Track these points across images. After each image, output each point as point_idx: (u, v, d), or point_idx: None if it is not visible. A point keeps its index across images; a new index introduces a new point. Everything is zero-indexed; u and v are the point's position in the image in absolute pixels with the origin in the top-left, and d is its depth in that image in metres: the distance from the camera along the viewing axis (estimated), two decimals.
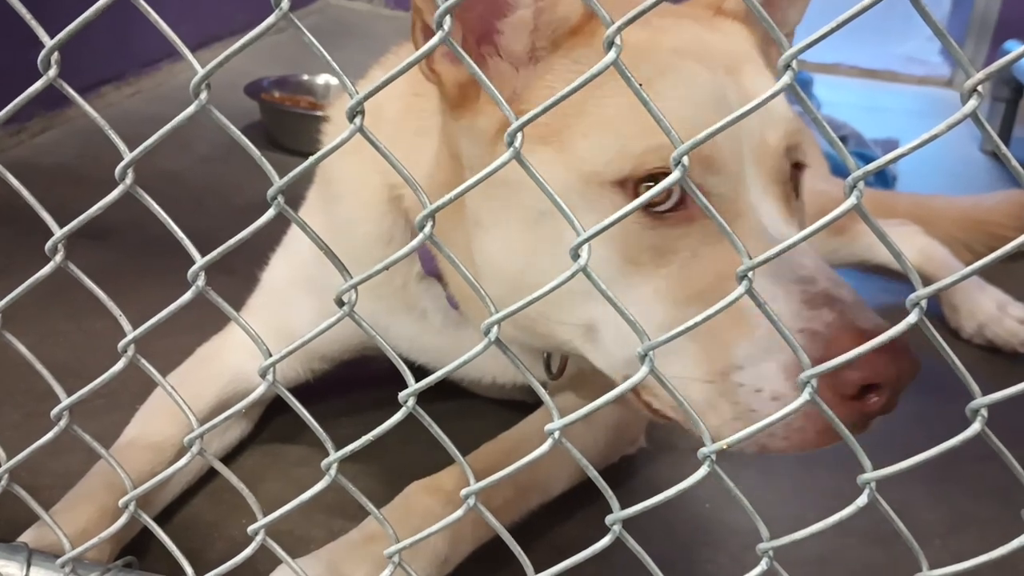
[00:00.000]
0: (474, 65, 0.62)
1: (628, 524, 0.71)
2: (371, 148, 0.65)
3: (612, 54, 0.58)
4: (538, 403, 1.30)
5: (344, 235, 1.13)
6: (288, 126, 2.55)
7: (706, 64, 0.88)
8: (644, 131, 0.80)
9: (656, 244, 0.83)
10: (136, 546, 1.09)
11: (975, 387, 0.62)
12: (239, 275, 1.34)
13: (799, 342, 0.65)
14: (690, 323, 0.63)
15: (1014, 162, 0.59)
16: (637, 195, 0.82)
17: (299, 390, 1.31)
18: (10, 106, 0.72)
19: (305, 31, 0.62)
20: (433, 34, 0.86)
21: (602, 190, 0.84)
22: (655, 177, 0.82)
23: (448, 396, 1.43)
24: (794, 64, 0.57)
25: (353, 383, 1.45)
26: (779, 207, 0.87)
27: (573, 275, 0.63)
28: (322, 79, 2.83)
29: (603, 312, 0.86)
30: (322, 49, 0.62)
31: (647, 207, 0.82)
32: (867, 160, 2.64)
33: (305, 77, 2.84)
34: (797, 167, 0.94)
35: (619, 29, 0.58)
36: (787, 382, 0.78)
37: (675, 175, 0.60)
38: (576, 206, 0.81)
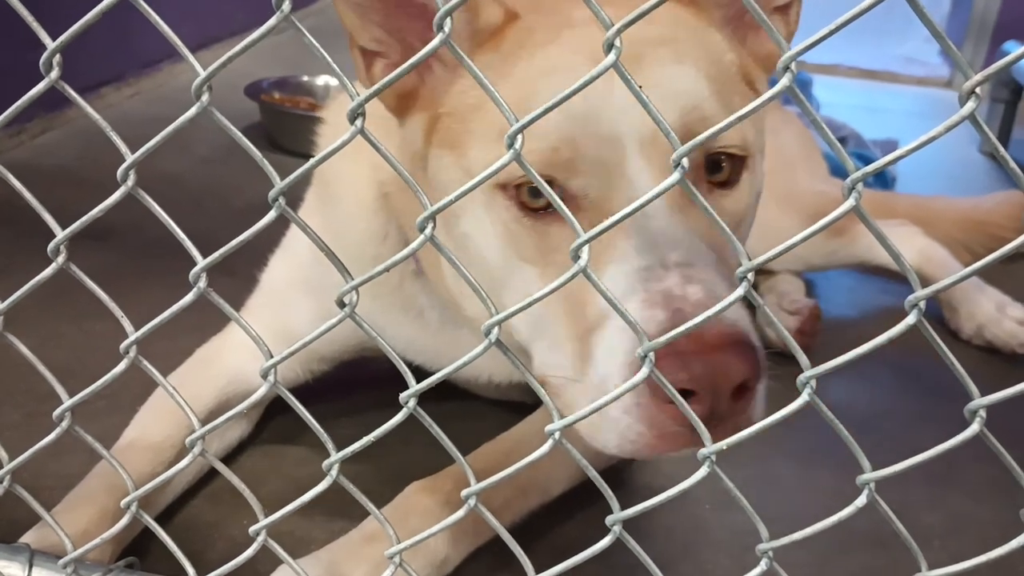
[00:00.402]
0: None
1: (628, 525, 0.71)
2: (360, 146, 0.66)
3: (612, 56, 0.58)
4: (537, 403, 1.30)
5: (341, 233, 1.14)
6: (288, 127, 2.55)
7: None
8: (495, 152, 0.83)
9: (538, 241, 0.87)
10: (137, 547, 1.10)
11: (974, 388, 0.62)
12: (240, 276, 1.34)
13: (635, 339, 0.68)
14: (691, 323, 0.63)
15: (1012, 164, 0.59)
16: (517, 197, 0.87)
17: (299, 390, 1.31)
18: (11, 109, 0.73)
19: (306, 33, 0.62)
20: (365, 53, 0.96)
21: (493, 192, 0.88)
22: (523, 184, 0.86)
23: (448, 397, 1.43)
24: (793, 66, 0.57)
25: (352, 383, 1.45)
26: (668, 204, 0.83)
27: (573, 276, 0.64)
28: (322, 80, 2.83)
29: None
30: (323, 51, 0.63)
31: (527, 207, 0.87)
32: (866, 161, 2.64)
33: (305, 78, 2.85)
34: (730, 158, 0.91)
35: (619, 31, 0.58)
36: (625, 380, 0.76)
37: (675, 176, 0.60)
38: (475, 207, 0.89)
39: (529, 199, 0.87)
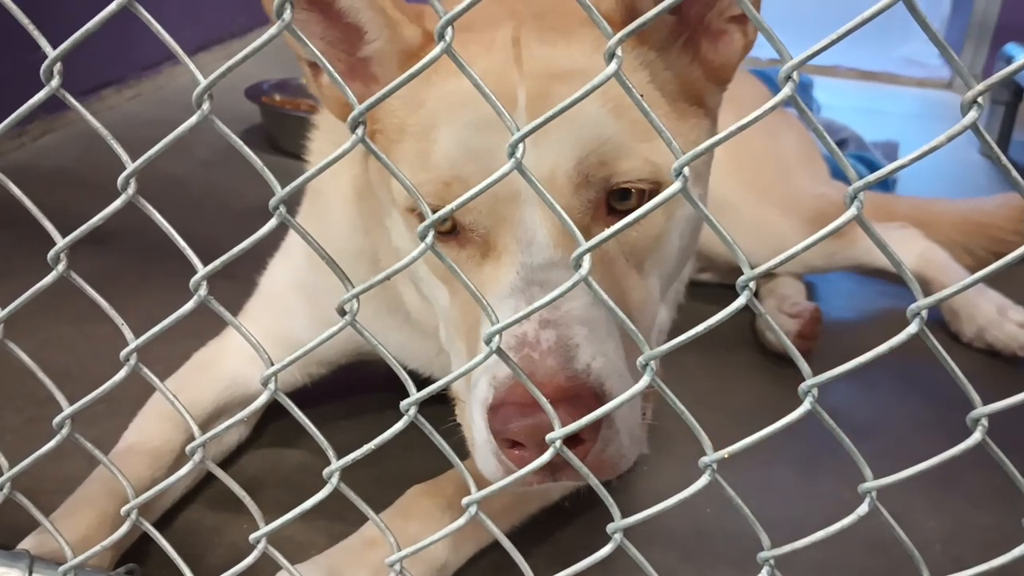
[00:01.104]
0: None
1: (629, 530, 0.71)
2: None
3: (613, 65, 0.58)
4: None
5: (326, 229, 1.16)
6: (288, 129, 2.54)
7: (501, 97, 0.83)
8: (419, 168, 0.90)
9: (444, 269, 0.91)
10: (136, 551, 1.10)
11: (976, 397, 0.62)
12: (240, 280, 1.34)
13: (488, 385, 0.79)
14: (691, 333, 0.63)
15: (1014, 173, 0.59)
16: (420, 220, 0.89)
17: (297, 394, 1.32)
18: (12, 116, 0.72)
19: (307, 41, 0.62)
20: (312, 66, 1.00)
21: (407, 214, 0.96)
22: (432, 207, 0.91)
23: (446, 401, 1.43)
24: (795, 76, 0.57)
25: (350, 386, 1.45)
26: (550, 238, 0.86)
27: (575, 284, 0.64)
28: None
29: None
30: (323, 59, 0.63)
31: (438, 231, 0.91)
32: (867, 163, 2.64)
33: (304, 80, 2.84)
34: (639, 191, 0.91)
35: (620, 41, 0.58)
36: (481, 421, 0.84)
37: (677, 185, 0.60)
38: (398, 226, 1.00)
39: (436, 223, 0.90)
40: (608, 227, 0.86)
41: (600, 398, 0.79)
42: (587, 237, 0.85)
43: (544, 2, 0.98)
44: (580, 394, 0.79)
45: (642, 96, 0.60)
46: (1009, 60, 2.98)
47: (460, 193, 0.83)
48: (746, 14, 0.94)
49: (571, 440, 0.75)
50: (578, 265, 0.63)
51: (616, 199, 0.90)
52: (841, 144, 2.78)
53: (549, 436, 0.70)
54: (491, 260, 0.89)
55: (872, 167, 2.60)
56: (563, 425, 0.69)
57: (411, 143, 0.93)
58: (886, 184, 2.60)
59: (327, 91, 1.02)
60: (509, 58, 0.91)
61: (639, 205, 0.89)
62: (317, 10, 0.95)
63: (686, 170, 0.60)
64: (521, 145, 0.62)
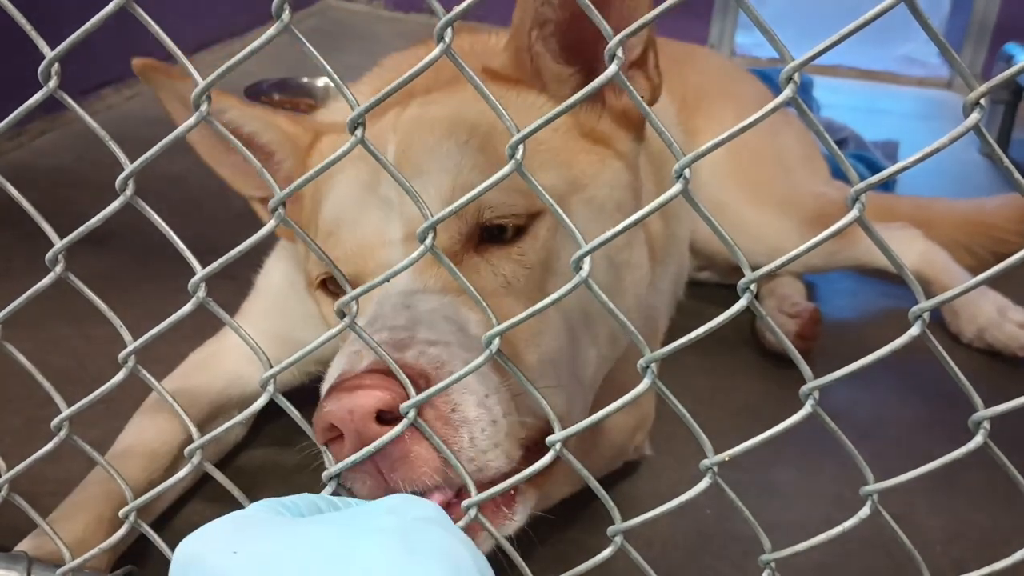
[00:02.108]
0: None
1: (629, 531, 0.71)
2: None
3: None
4: None
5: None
6: None
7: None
8: (313, 235, 0.98)
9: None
10: (134, 552, 1.09)
11: (977, 399, 0.62)
12: (240, 280, 1.34)
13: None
14: (691, 336, 0.63)
15: (1016, 174, 0.59)
16: (327, 287, 1.05)
17: (296, 393, 1.31)
18: (10, 117, 0.72)
19: (306, 43, 0.62)
20: (261, 202, 1.18)
21: (313, 290, 1.07)
22: (324, 280, 1.04)
23: None
24: (796, 77, 0.57)
25: None
26: (409, 272, 0.88)
27: (575, 287, 0.63)
28: (322, 82, 2.83)
29: None
30: (322, 60, 0.62)
31: (335, 293, 1.02)
32: (867, 162, 2.63)
33: (305, 80, 2.84)
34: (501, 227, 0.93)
35: (619, 42, 0.57)
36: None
37: (677, 187, 0.60)
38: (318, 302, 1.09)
39: (334, 287, 1.02)
40: (480, 255, 0.92)
41: (428, 377, 0.77)
42: (457, 264, 0.89)
43: (435, 78, 1.01)
44: (404, 371, 0.73)
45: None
46: (1009, 60, 2.98)
47: (335, 246, 0.95)
48: (647, 59, 0.96)
49: (389, 423, 0.73)
50: (578, 268, 0.63)
51: (490, 234, 0.93)
52: (841, 143, 2.77)
53: (356, 413, 0.71)
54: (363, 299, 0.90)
55: (872, 166, 2.60)
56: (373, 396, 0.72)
57: (309, 216, 1.03)
58: (887, 184, 2.60)
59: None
60: (388, 125, 0.98)
61: (514, 236, 0.93)
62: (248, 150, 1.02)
63: (687, 172, 0.60)
64: (522, 146, 0.62)
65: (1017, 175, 0.58)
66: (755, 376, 1.68)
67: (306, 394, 1.31)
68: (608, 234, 0.62)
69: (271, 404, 0.74)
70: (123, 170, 0.68)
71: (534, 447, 0.84)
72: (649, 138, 1.09)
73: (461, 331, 0.84)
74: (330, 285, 1.03)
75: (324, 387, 0.85)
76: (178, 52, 0.65)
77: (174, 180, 2.27)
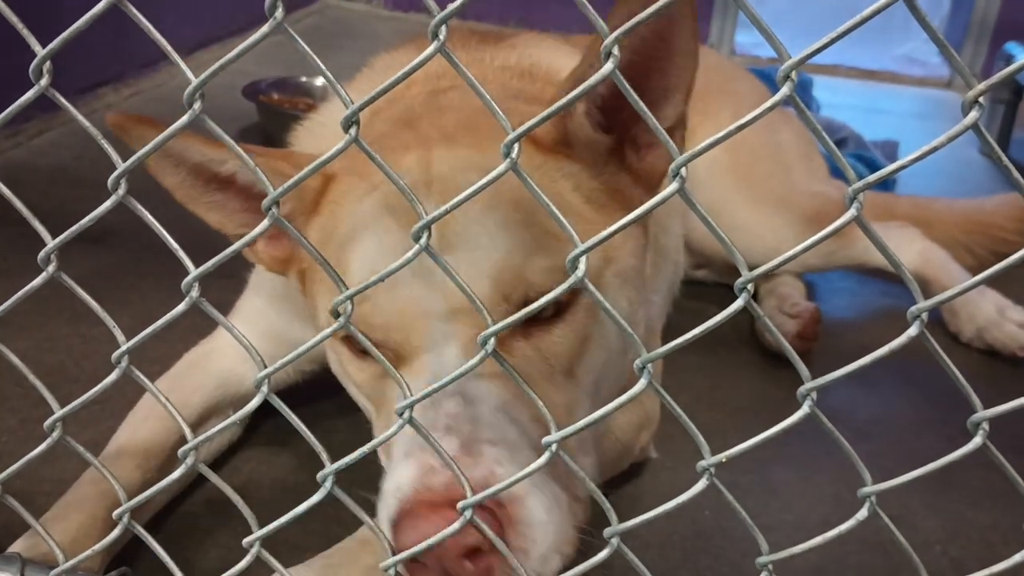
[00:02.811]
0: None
1: (627, 532, 0.70)
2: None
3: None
4: None
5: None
6: (286, 128, 2.52)
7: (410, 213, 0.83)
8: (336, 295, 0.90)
9: (372, 382, 0.98)
10: (127, 554, 1.09)
11: (976, 400, 0.62)
12: (236, 278, 1.34)
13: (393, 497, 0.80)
14: (687, 336, 0.62)
15: (1015, 173, 0.58)
16: (354, 346, 0.97)
17: (290, 392, 1.31)
18: (4, 114, 0.72)
19: (300, 41, 0.61)
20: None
21: (336, 342, 0.99)
22: (347, 338, 0.96)
23: None
24: (793, 75, 0.56)
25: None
26: (459, 355, 0.88)
27: (571, 286, 0.63)
28: (321, 81, 2.82)
29: None
30: (317, 59, 0.62)
31: (362, 353, 0.96)
32: (867, 162, 2.63)
33: (303, 79, 2.84)
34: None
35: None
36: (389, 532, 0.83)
37: (674, 186, 0.60)
38: (332, 352, 1.04)
39: (349, 342, 0.97)
40: (525, 338, 0.92)
41: (503, 506, 0.78)
42: (503, 349, 0.86)
43: (455, 125, 1.00)
44: (484, 504, 0.76)
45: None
46: (1009, 59, 2.97)
47: (368, 312, 0.89)
48: (676, 125, 0.94)
49: (472, 554, 0.76)
50: (574, 267, 0.63)
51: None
52: (840, 143, 2.77)
53: (451, 551, 0.73)
54: (403, 370, 0.89)
55: (872, 166, 2.59)
56: (464, 535, 0.71)
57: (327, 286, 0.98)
58: (886, 183, 2.58)
59: (262, 256, 1.07)
60: (419, 179, 0.93)
61: (555, 313, 0.92)
62: (230, 189, 1.00)
63: (683, 171, 0.60)
64: (516, 146, 0.61)
65: (1016, 174, 0.58)
66: (754, 375, 1.68)
67: (300, 393, 1.31)
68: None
69: (266, 403, 0.74)
70: (114, 178, 0.68)
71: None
72: None
73: (519, 430, 0.85)
74: (358, 346, 0.96)
75: (391, 483, 0.83)
76: (170, 50, 0.64)
77: None
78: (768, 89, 2.09)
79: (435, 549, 0.74)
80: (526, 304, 0.88)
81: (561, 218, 0.63)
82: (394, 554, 0.78)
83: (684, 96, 0.90)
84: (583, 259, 0.62)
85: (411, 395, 0.70)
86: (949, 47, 0.56)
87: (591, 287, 0.63)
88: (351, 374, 1.01)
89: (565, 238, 0.62)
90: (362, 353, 0.96)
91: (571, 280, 0.63)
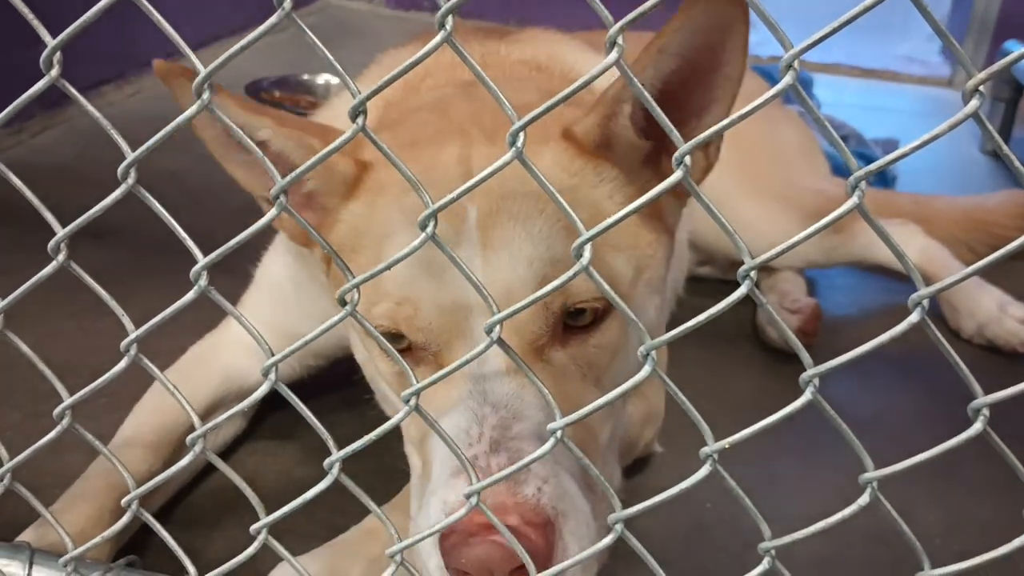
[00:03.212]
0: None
1: (630, 523, 0.71)
2: None
3: (614, 54, 0.58)
4: None
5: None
6: None
7: (450, 213, 0.84)
8: (371, 289, 0.89)
9: (397, 376, 0.98)
10: (134, 544, 1.09)
11: (977, 387, 0.62)
12: (238, 274, 1.35)
13: (440, 510, 0.83)
14: (691, 323, 0.63)
15: (1016, 163, 0.59)
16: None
17: (295, 388, 1.31)
18: (11, 107, 0.72)
19: (308, 31, 0.62)
20: (269, 200, 1.00)
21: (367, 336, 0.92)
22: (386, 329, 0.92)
23: None
24: (796, 64, 0.57)
25: (348, 380, 1.45)
26: (504, 365, 0.87)
27: (576, 274, 0.64)
28: (322, 79, 2.83)
29: None
30: (324, 48, 0.63)
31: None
32: (868, 160, 2.63)
33: (305, 77, 2.85)
34: (589, 312, 0.92)
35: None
36: (433, 547, 0.83)
37: (678, 175, 0.60)
38: (358, 341, 1.05)
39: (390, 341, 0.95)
40: (563, 347, 0.92)
41: (551, 523, 0.80)
42: (542, 358, 0.90)
43: (494, 120, 0.98)
44: (530, 520, 0.79)
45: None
46: None
47: (411, 314, 0.89)
48: (712, 143, 0.95)
49: (517, 570, 0.77)
50: (579, 255, 0.63)
51: (570, 316, 0.92)
52: (841, 141, 2.77)
53: (502, 567, 0.75)
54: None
55: (872, 163, 2.60)
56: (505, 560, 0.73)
57: (363, 264, 0.95)
58: (887, 181, 2.60)
59: (285, 223, 1.06)
60: (458, 176, 0.91)
61: (592, 321, 0.92)
62: (263, 152, 1.01)
63: (687, 159, 0.60)
64: (522, 135, 0.62)
65: (1017, 164, 0.58)
66: (756, 370, 1.68)
67: (305, 389, 1.31)
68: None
69: (269, 400, 0.74)
70: (123, 167, 0.68)
71: None
72: None
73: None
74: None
75: (438, 499, 0.85)
76: (180, 41, 0.65)
77: (173, 177, 2.28)
78: (770, 86, 2.09)
79: (483, 569, 0.77)
80: (565, 314, 0.90)
81: (565, 205, 0.63)
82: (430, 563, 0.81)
83: (725, 110, 0.90)
84: (587, 247, 0.63)
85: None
86: (949, 35, 0.56)
87: (596, 276, 0.64)
88: (381, 371, 1.00)
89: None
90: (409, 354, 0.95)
91: (576, 267, 0.63)
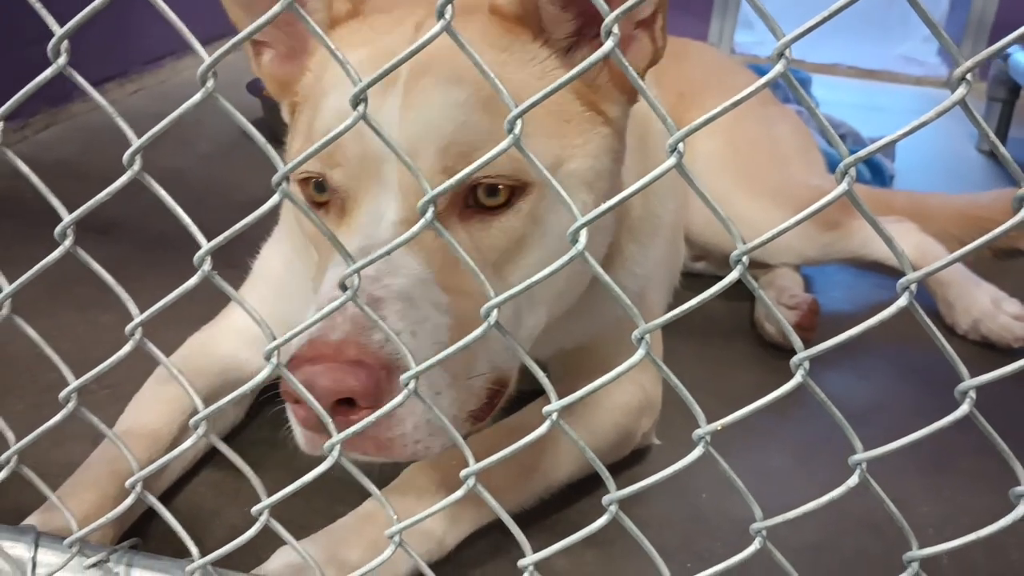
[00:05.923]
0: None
1: (625, 513, 0.72)
2: None
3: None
4: (538, 391, 1.31)
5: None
6: None
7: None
8: (306, 137, 0.99)
9: (314, 230, 0.93)
10: (136, 531, 1.11)
11: (963, 369, 0.63)
12: (239, 267, 1.36)
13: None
14: (685, 306, 0.64)
15: (1012, 163, 0.60)
16: (306, 190, 1.00)
17: None
18: (16, 96, 0.74)
19: (309, 20, 0.63)
20: (255, 44, 1.15)
21: (295, 184, 1.01)
22: (309, 178, 0.98)
23: None
24: (787, 52, 0.58)
25: None
26: (398, 214, 0.90)
27: (572, 259, 0.65)
28: None
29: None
30: (327, 39, 0.64)
31: (313, 200, 0.99)
32: (866, 161, 2.65)
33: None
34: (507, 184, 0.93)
35: (615, 19, 0.59)
36: None
37: (671, 160, 0.62)
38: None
39: (314, 193, 0.99)
40: (462, 222, 0.93)
41: (390, 371, 0.80)
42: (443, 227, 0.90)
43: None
44: (365, 361, 0.79)
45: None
46: (1006, 58, 2.99)
47: (338, 160, 0.93)
48: (655, 19, 0.93)
49: (352, 407, 0.79)
50: (575, 240, 0.64)
51: (484, 195, 0.93)
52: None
53: (329, 392, 0.77)
54: (343, 228, 0.94)
55: (869, 163, 2.61)
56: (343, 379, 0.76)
57: (307, 113, 1.02)
58: (884, 180, 2.62)
59: (266, 70, 1.11)
60: (406, 40, 0.96)
61: (507, 201, 0.93)
62: None
63: (680, 146, 0.62)
64: (520, 121, 0.63)
65: (1014, 165, 0.60)
66: (752, 366, 1.69)
67: None
68: (599, 209, 0.63)
69: (269, 388, 0.75)
70: (129, 153, 0.70)
71: (490, 397, 0.96)
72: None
73: (434, 311, 0.87)
74: (309, 190, 0.99)
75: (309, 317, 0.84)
76: (185, 30, 0.66)
77: (175, 174, 2.29)
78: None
79: (315, 390, 0.78)
80: (472, 188, 0.92)
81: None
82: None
83: None
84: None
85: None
86: (938, 26, 0.58)
87: (590, 258, 0.65)
88: (303, 225, 1.06)
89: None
90: (315, 205, 0.99)
91: (572, 252, 0.64)
